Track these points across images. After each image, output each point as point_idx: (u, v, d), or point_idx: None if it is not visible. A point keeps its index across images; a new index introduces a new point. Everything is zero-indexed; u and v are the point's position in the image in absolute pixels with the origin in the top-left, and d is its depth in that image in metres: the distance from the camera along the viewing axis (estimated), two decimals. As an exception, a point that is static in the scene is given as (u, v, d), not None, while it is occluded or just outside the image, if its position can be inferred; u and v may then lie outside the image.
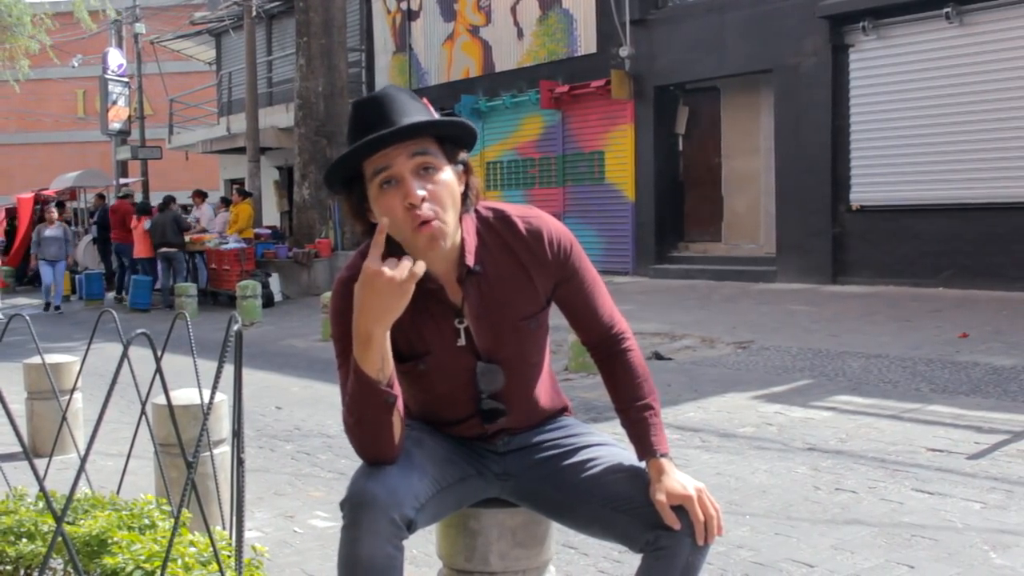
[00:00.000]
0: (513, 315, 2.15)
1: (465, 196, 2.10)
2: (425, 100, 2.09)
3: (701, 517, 1.99)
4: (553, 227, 2.17)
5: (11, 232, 24.92)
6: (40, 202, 24.57)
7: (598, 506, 2.12)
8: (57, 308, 17.08)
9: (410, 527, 1.97)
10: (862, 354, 7.51)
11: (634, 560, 2.12)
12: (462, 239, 2.10)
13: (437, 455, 2.17)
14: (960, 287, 11.20)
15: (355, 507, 1.93)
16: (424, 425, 2.29)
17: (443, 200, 2.00)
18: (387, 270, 1.88)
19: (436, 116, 2.06)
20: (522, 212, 2.19)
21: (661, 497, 2.02)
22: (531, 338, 2.20)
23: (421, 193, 1.97)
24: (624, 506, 2.08)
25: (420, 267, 1.91)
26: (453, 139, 2.06)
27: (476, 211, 2.17)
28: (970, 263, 11.29)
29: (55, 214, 17.43)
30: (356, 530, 1.91)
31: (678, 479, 2.05)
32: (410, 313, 2.02)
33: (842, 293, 11.75)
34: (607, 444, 2.26)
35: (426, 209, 1.97)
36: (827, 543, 3.61)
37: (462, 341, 2.17)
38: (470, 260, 2.11)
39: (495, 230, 2.15)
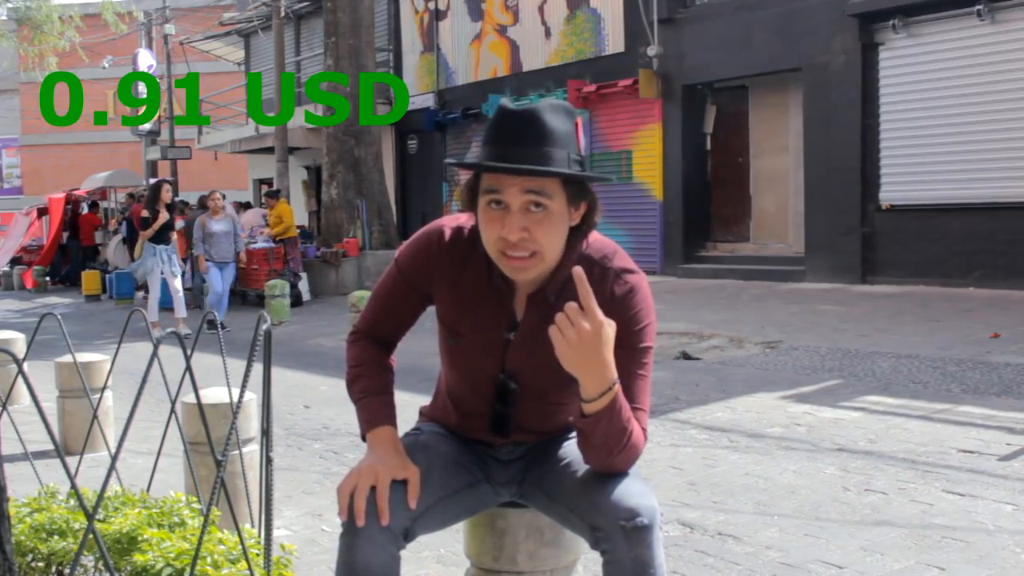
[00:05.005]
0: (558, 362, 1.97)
1: (578, 228, 2.05)
2: (579, 120, 2.03)
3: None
4: (640, 299, 2.10)
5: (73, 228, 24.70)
6: (71, 201, 24.80)
7: (559, 503, 2.13)
8: (222, 326, 11.48)
9: (407, 535, 2.01)
10: (892, 354, 7.45)
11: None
12: (559, 264, 2.06)
13: (445, 460, 2.19)
14: (991, 287, 11.10)
15: (350, 517, 1.98)
16: (436, 427, 2.32)
17: (544, 236, 1.97)
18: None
19: (583, 141, 2.02)
20: (624, 266, 2.13)
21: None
22: (566, 386, 2.05)
23: (519, 235, 1.95)
24: (573, 505, 2.07)
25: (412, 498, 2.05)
26: (579, 182, 2.01)
27: (590, 241, 2.12)
28: (1002, 262, 11.18)
29: (220, 202, 12.85)
30: (352, 537, 1.96)
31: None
32: (471, 294, 2.12)
33: (872, 293, 11.66)
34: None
35: (519, 249, 1.97)
36: (856, 544, 3.59)
37: (501, 351, 2.17)
38: (551, 288, 2.09)
39: (590, 273, 2.00)
